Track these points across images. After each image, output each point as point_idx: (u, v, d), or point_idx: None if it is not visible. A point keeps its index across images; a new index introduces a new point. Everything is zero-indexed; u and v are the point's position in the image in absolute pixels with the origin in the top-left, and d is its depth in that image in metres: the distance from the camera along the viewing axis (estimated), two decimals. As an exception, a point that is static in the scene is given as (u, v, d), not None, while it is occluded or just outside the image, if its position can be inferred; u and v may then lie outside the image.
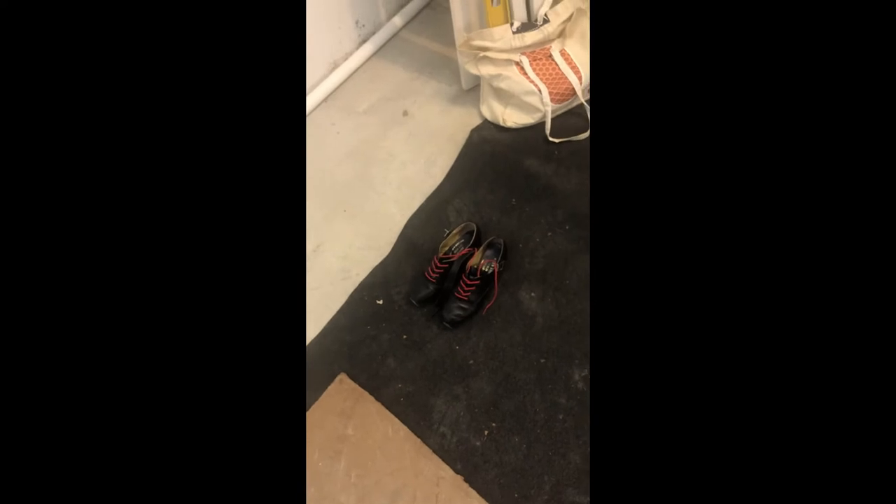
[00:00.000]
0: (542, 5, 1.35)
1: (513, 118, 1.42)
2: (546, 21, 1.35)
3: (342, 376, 1.15)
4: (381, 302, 1.24)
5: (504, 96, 1.41)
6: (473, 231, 1.23)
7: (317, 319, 1.24)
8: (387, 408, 1.10)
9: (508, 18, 1.34)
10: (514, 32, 1.33)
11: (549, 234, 1.28)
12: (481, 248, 1.21)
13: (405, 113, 1.54)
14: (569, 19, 1.36)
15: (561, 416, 1.06)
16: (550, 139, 1.39)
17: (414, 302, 1.20)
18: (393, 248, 1.32)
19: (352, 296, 1.26)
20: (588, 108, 1.40)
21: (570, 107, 1.44)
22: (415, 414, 1.09)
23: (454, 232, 1.25)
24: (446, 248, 1.24)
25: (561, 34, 1.38)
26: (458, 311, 1.16)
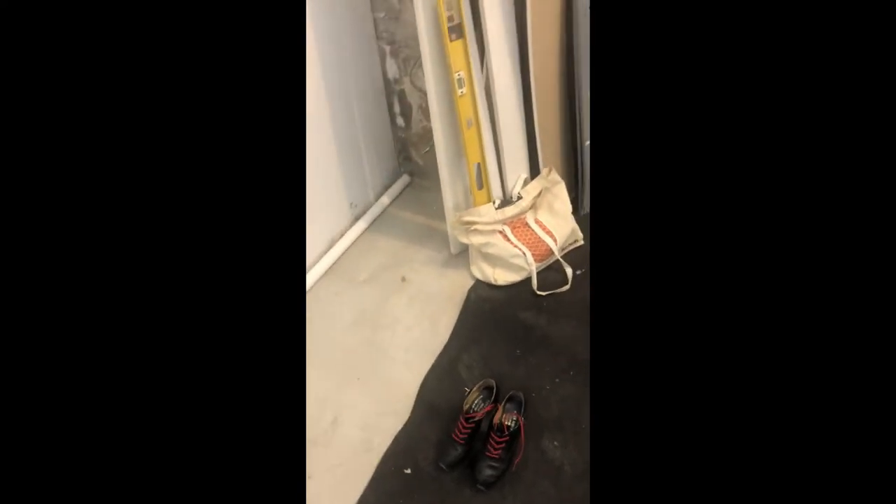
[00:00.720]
0: (515, 186, 1.64)
1: (503, 277, 1.61)
2: (520, 198, 1.62)
3: (382, 562, 1.09)
4: (409, 471, 1.24)
5: (493, 259, 1.61)
6: (493, 387, 1.31)
7: (344, 500, 1.20)
8: (436, 592, 1.04)
9: (491, 198, 1.60)
10: (496, 208, 1.58)
11: (557, 380, 1.38)
12: (503, 403, 1.28)
13: (403, 279, 1.69)
14: (538, 195, 1.64)
15: (613, 572, 1.05)
16: (538, 293, 1.58)
17: (443, 466, 1.21)
18: (412, 412, 1.35)
19: (378, 468, 1.25)
20: (564, 263, 1.62)
21: (548, 263, 1.66)
22: None
23: (474, 389, 1.32)
24: (467, 406, 1.29)
25: (533, 206, 1.65)
26: (489, 472, 1.18)
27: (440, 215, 1.74)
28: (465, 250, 1.71)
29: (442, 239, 1.77)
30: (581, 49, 1.52)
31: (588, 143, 1.67)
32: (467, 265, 1.68)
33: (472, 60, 1.41)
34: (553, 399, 1.34)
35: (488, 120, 1.52)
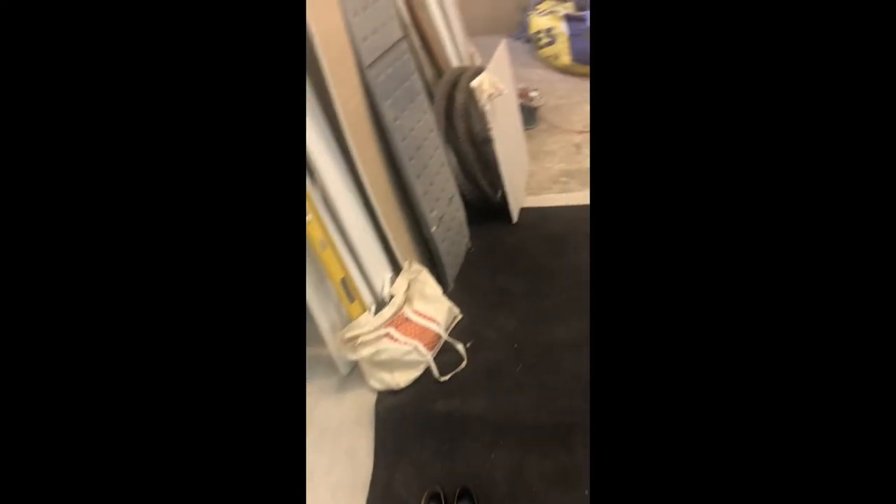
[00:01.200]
0: (383, 288, 1.68)
1: (404, 378, 1.59)
2: (392, 296, 1.66)
3: None
4: None
5: (388, 365, 1.59)
6: (439, 493, 1.25)
7: None
8: None
9: (365, 307, 1.60)
10: (374, 315, 1.59)
11: (492, 455, 1.38)
12: (455, 505, 1.23)
13: (302, 422, 1.55)
14: (407, 289, 1.70)
15: None
16: (441, 379, 1.59)
17: None
18: (366, 563, 1.20)
19: None
20: (453, 342, 1.68)
21: (439, 348, 1.70)
22: None
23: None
24: (422, 527, 1.21)
25: (406, 300, 1.70)
26: (470, 584, 1.10)
27: (316, 341, 1.67)
28: (355, 367, 1.65)
29: (327, 364, 1.68)
30: (401, 154, 1.69)
31: (433, 228, 1.82)
32: (363, 381, 1.62)
33: (308, 188, 1.46)
34: (497, 475, 1.33)
35: (339, 236, 1.56)
